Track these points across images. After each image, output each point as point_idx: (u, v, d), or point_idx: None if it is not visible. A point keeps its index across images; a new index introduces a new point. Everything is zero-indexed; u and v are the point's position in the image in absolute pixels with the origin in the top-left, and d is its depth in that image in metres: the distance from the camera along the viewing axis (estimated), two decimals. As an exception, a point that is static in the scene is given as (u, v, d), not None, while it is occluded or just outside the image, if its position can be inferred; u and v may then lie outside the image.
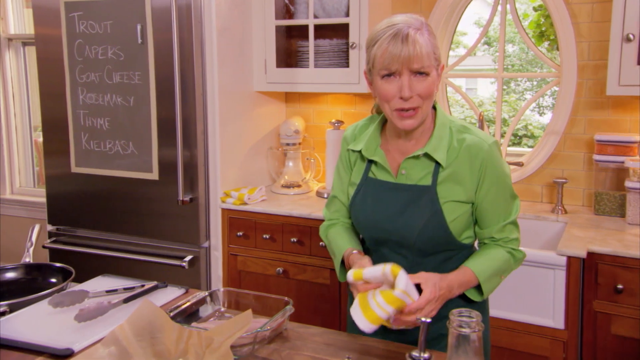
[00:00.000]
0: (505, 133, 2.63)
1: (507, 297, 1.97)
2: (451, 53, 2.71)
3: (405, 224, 1.25)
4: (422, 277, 1.17)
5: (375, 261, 1.27)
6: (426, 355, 0.90)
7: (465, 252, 1.32)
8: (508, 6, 2.51)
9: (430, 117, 1.27)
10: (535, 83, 7.33)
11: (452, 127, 1.26)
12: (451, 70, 2.68)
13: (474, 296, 1.28)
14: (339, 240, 1.36)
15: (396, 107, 1.19)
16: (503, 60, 2.60)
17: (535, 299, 1.92)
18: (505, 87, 6.75)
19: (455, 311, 0.94)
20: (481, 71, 5.24)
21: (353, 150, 1.34)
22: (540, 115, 6.90)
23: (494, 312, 1.96)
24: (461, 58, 2.71)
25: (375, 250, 1.35)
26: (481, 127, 2.39)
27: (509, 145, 2.62)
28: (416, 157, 1.25)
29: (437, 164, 1.24)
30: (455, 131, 1.26)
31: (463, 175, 1.24)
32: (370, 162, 1.31)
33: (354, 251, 1.30)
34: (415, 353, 0.89)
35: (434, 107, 1.29)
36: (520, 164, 2.46)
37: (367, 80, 1.28)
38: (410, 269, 1.22)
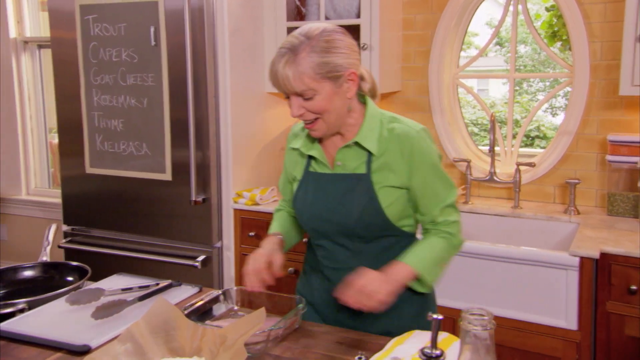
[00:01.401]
0: (517, 134, 2.63)
1: (518, 297, 1.96)
2: (462, 54, 2.71)
3: (344, 211, 1.30)
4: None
5: (321, 256, 1.38)
6: (438, 351, 0.91)
7: (406, 240, 1.36)
8: (520, 6, 2.50)
9: (359, 111, 1.32)
10: (547, 84, 7.28)
11: (382, 119, 1.32)
12: (462, 71, 2.68)
13: (418, 287, 1.31)
14: (274, 223, 1.49)
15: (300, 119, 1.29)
16: (515, 61, 2.59)
17: (547, 299, 1.92)
18: (517, 87, 6.71)
19: (466, 309, 0.94)
20: (493, 72, 5.22)
21: (293, 148, 1.42)
22: (553, 116, 6.85)
23: (505, 312, 1.96)
24: (473, 59, 2.71)
25: (318, 244, 1.39)
26: (493, 128, 2.39)
27: (521, 146, 2.61)
28: (348, 147, 1.31)
29: (370, 153, 1.30)
30: (385, 122, 1.32)
31: (395, 162, 1.29)
32: (310, 157, 1.37)
33: (274, 233, 1.42)
34: (427, 350, 0.90)
35: (364, 102, 1.34)
36: (532, 165, 2.45)
37: None
38: (352, 258, 1.31)
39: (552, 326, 1.91)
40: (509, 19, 2.55)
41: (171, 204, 2.52)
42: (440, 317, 0.91)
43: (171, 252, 2.55)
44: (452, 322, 1.96)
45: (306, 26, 1.25)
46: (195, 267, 2.45)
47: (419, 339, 1.19)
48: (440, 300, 2.07)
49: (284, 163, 1.48)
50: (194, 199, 2.43)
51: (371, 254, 1.33)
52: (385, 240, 1.33)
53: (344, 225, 1.31)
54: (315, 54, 1.20)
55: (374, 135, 1.29)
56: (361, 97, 1.34)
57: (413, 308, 1.37)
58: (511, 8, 2.52)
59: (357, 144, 1.30)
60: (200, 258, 2.46)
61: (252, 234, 2.46)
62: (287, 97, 1.26)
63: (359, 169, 1.30)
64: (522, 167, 2.44)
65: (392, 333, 1.30)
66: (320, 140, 1.35)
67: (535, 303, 1.94)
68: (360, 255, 1.33)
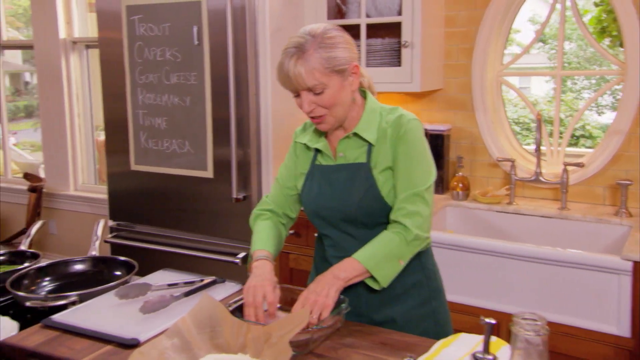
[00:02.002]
0: (563, 134, 2.54)
1: (565, 301, 1.90)
2: (504, 51, 2.64)
3: (345, 199, 1.36)
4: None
5: (328, 245, 1.42)
6: (490, 356, 0.88)
7: None
8: (568, 2, 2.42)
9: (360, 104, 1.39)
10: (593, 81, 7.02)
11: (382, 111, 1.38)
12: (506, 69, 2.61)
13: (371, 283, 1.32)
14: (258, 234, 1.46)
15: (307, 115, 1.34)
16: (562, 58, 2.51)
17: (597, 304, 1.85)
18: (561, 85, 6.47)
19: (518, 313, 0.92)
20: (537, 69, 5.07)
21: (299, 143, 1.47)
22: (599, 115, 6.61)
23: (550, 316, 1.90)
24: (517, 56, 2.63)
25: (325, 234, 1.44)
26: (539, 127, 2.32)
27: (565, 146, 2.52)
28: (348, 138, 1.38)
29: (370, 143, 1.35)
30: (385, 114, 1.38)
31: (387, 145, 1.35)
32: (317, 151, 1.43)
33: (264, 253, 1.40)
34: (479, 354, 0.88)
35: (364, 96, 1.40)
36: (581, 165, 2.37)
37: None
38: (358, 246, 1.34)
39: (602, 332, 1.84)
40: (553, 15, 2.47)
41: (212, 201, 2.55)
42: (494, 321, 0.89)
43: (212, 248, 2.59)
44: (496, 325, 1.91)
45: (307, 27, 1.32)
46: (236, 264, 2.48)
47: (464, 342, 1.17)
48: (483, 303, 2.04)
49: (289, 156, 1.52)
50: (235, 196, 2.46)
51: None
52: (387, 226, 1.36)
53: (346, 212, 1.36)
54: (322, 50, 1.27)
55: (373, 126, 1.36)
56: (361, 92, 1.41)
57: (418, 298, 1.41)
58: (558, 6, 2.43)
59: (356, 134, 1.37)
60: (241, 255, 2.49)
61: (292, 231, 2.47)
62: (297, 96, 1.31)
63: (360, 158, 1.37)
64: (569, 167, 2.36)
65: (396, 321, 1.38)
66: (325, 135, 1.42)
67: (584, 308, 1.87)
68: (364, 242, 1.35)
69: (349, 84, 1.31)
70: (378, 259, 1.30)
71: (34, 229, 1.82)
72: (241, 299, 1.35)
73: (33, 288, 1.51)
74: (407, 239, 1.31)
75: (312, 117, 1.33)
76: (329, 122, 1.33)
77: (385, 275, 1.31)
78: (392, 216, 1.34)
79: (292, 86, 1.29)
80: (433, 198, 1.37)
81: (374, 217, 1.36)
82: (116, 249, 2.80)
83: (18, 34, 4.46)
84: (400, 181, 1.33)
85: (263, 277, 1.32)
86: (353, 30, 2.63)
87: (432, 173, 1.36)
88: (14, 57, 4.64)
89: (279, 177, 1.53)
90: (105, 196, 3.18)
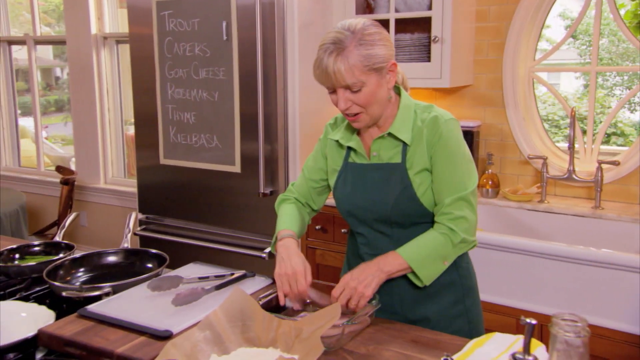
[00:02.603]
0: (597, 132, 2.48)
1: (599, 302, 1.86)
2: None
3: (380, 199, 1.34)
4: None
5: (361, 243, 1.41)
6: (531, 357, 0.87)
7: None
8: (605, -5, 2.35)
9: (395, 102, 1.36)
10: (626, 78, 6.83)
11: (416, 109, 1.35)
12: (538, 65, 2.56)
13: (414, 280, 1.32)
14: (283, 217, 1.48)
15: (342, 113, 1.31)
16: (597, 53, 2.44)
17: (631, 306, 1.80)
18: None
19: (557, 314, 0.90)
20: (566, 65, 4.95)
21: (331, 139, 1.44)
22: (631, 112, 6.43)
23: (591, 319, 1.86)
24: (550, 51, 2.58)
25: (358, 232, 1.43)
26: (573, 124, 2.27)
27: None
28: (382, 138, 1.35)
29: (405, 143, 1.33)
30: (419, 112, 1.35)
31: (423, 146, 1.32)
32: (349, 149, 1.40)
33: (289, 232, 1.40)
34: (519, 355, 0.87)
35: (399, 93, 1.37)
36: (616, 163, 2.31)
37: None
38: (391, 244, 1.34)
39: (638, 335, 1.80)
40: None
41: (240, 195, 2.57)
42: (534, 321, 0.87)
43: (239, 242, 2.61)
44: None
45: (345, 22, 1.28)
46: (263, 258, 2.49)
47: (499, 342, 1.15)
48: (513, 302, 2.01)
49: (318, 149, 1.49)
50: (262, 191, 2.47)
51: (409, 239, 1.34)
52: (422, 227, 1.35)
53: (381, 213, 1.35)
54: (362, 47, 1.24)
55: (407, 126, 1.33)
56: (395, 88, 1.38)
57: (452, 296, 1.39)
58: (593, 0, 2.37)
59: (390, 134, 1.34)
60: (268, 250, 2.50)
61: (318, 227, 2.47)
62: (332, 92, 1.29)
63: (394, 158, 1.34)
64: (604, 166, 2.30)
65: (430, 319, 1.37)
66: (358, 132, 1.39)
67: (617, 309, 1.83)
68: (398, 242, 1.34)
69: (386, 81, 1.29)
70: (423, 257, 1.29)
71: (68, 220, 1.86)
72: (271, 294, 1.36)
73: (68, 278, 1.55)
74: (453, 242, 1.30)
75: (347, 115, 1.31)
76: (364, 120, 1.31)
77: (428, 275, 1.30)
78: (438, 219, 1.32)
79: (330, 83, 1.27)
80: (477, 200, 1.35)
81: (409, 217, 1.34)
82: (145, 241, 2.84)
83: (50, 30, 4.55)
84: (444, 185, 1.30)
85: (287, 261, 1.31)
86: (382, 25, 2.61)
87: (475, 175, 1.34)
88: (45, 52, 4.74)
89: (304, 168, 1.52)
90: (134, 189, 3.23)
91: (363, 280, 1.26)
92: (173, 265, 1.60)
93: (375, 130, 1.38)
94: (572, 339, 0.86)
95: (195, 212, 2.73)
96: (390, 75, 1.30)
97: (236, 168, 2.57)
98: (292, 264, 1.31)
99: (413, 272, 1.30)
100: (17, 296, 1.46)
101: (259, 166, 2.46)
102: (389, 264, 1.29)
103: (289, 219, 1.46)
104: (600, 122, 3.02)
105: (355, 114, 1.30)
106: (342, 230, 2.40)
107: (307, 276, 1.31)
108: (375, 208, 1.35)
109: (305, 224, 1.52)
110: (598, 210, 2.25)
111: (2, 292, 1.49)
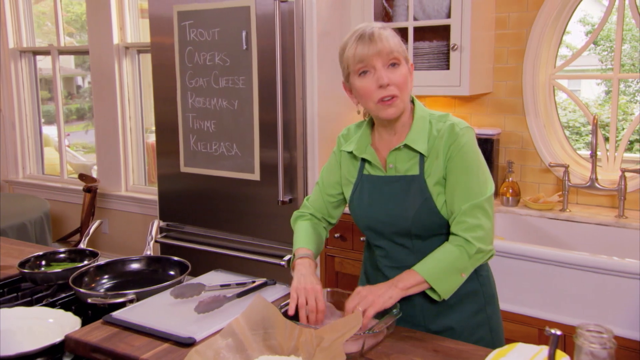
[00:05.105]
0: (620, 139, 2.45)
1: (623, 313, 1.83)
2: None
3: (399, 212, 1.32)
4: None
5: (380, 255, 1.39)
6: (554, 369, 0.86)
7: None
8: (627, 0, 2.33)
9: (409, 112, 1.35)
10: (648, 83, 6.72)
11: (431, 119, 1.34)
12: (559, 72, 2.54)
13: (432, 295, 1.30)
14: (299, 236, 1.46)
15: (377, 98, 1.27)
16: (620, 59, 2.42)
17: (657, 317, 1.77)
18: (613, 89, 6.23)
19: (582, 325, 0.89)
20: (587, 72, 4.89)
21: (345, 151, 1.43)
22: (654, 118, 6.31)
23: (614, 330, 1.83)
24: (571, 58, 2.56)
25: (377, 245, 1.41)
26: (595, 131, 2.25)
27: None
28: (398, 149, 1.34)
29: (422, 155, 1.32)
30: (434, 122, 1.33)
31: (440, 158, 1.31)
32: (364, 160, 1.39)
33: (307, 252, 1.40)
34: (542, 367, 0.86)
35: (412, 102, 1.37)
36: None
37: (346, 91, 1.38)
38: (411, 256, 1.34)
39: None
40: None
41: (259, 203, 2.59)
42: (559, 332, 0.86)
43: (258, 250, 2.63)
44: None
45: (368, 23, 1.32)
46: (282, 266, 2.50)
47: (522, 352, 1.14)
48: (534, 311, 1.98)
49: (333, 162, 1.47)
50: (281, 199, 2.48)
51: (429, 251, 1.33)
52: (442, 237, 1.34)
53: (400, 226, 1.33)
54: (397, 36, 1.30)
55: (423, 137, 1.32)
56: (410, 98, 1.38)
57: (474, 305, 1.38)
58: (616, 2, 2.35)
59: (406, 146, 1.33)
60: (287, 257, 2.51)
61: (337, 235, 2.48)
62: (363, 73, 1.27)
63: (412, 170, 1.33)
64: (627, 174, 2.27)
65: (454, 329, 1.36)
66: (372, 143, 1.39)
67: (643, 321, 1.80)
68: (418, 254, 1.34)
69: (410, 78, 1.32)
70: (439, 272, 1.28)
71: (92, 228, 1.89)
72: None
73: (93, 285, 1.57)
74: (469, 253, 1.28)
75: (383, 100, 1.27)
76: (399, 105, 1.28)
77: (446, 289, 1.29)
78: (453, 229, 1.30)
79: (375, 50, 1.24)
80: (493, 208, 1.33)
81: (429, 230, 1.33)
82: (165, 248, 2.88)
83: (72, 39, 4.65)
84: (458, 193, 1.29)
85: (307, 277, 1.32)
86: (400, 33, 2.62)
87: (491, 182, 1.32)
88: (67, 62, 4.84)
89: (320, 182, 1.51)
90: (154, 197, 3.27)
91: (375, 291, 1.26)
92: (193, 273, 1.62)
93: (389, 139, 1.36)
94: (597, 350, 0.86)
95: (215, 219, 2.75)
96: (410, 76, 1.32)
97: (255, 176, 2.59)
98: (311, 280, 1.32)
99: (431, 288, 1.29)
100: (44, 302, 1.49)
101: (278, 174, 2.48)
102: (403, 279, 1.28)
103: (305, 236, 1.45)
104: (623, 129, 2.98)
105: (393, 96, 1.27)
106: (361, 239, 2.40)
107: (324, 306, 1.30)
108: (394, 221, 1.34)
109: (322, 240, 1.51)
110: (621, 220, 2.21)
111: (29, 299, 1.52)
